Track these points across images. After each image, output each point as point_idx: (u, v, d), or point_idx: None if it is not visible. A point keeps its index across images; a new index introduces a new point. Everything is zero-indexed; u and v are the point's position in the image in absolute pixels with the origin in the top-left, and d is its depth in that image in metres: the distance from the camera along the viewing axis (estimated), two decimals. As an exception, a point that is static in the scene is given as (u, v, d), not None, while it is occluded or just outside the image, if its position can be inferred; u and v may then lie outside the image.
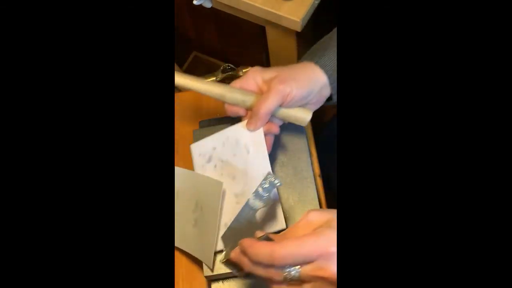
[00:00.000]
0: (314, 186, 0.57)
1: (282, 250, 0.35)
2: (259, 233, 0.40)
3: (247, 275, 0.41)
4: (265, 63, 1.14)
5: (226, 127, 0.61)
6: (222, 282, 0.53)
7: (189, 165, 0.62)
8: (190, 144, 0.58)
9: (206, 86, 0.54)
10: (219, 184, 0.51)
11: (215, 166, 0.55)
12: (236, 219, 0.46)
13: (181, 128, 0.66)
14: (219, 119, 0.64)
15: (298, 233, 0.37)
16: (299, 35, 0.78)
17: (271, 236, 0.39)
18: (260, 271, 0.37)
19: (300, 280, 0.36)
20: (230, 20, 0.84)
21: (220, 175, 0.54)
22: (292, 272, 0.35)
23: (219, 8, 0.80)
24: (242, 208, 0.46)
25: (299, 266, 0.35)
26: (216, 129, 0.62)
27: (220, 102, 0.53)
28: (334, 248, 0.34)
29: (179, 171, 0.57)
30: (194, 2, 0.77)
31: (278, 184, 0.46)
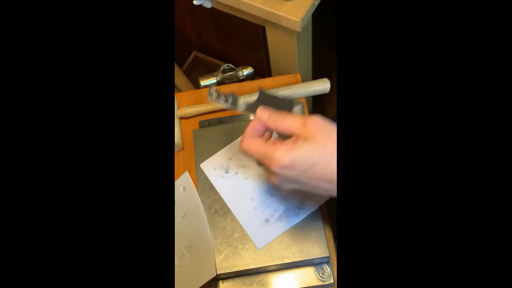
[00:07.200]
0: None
1: (243, 143, 0.44)
2: None
3: None
4: (265, 63, 1.14)
5: (226, 127, 0.61)
6: (222, 282, 0.53)
7: (188, 165, 0.62)
8: (199, 164, 0.59)
9: None
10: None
11: (236, 173, 0.58)
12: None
13: (181, 128, 0.66)
14: (219, 119, 0.64)
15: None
16: (299, 35, 0.78)
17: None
18: None
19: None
20: (230, 20, 0.84)
21: (245, 179, 0.57)
22: None
23: (219, 8, 0.80)
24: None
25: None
26: (216, 129, 0.62)
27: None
28: (275, 169, 0.41)
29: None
30: (194, 2, 0.76)
31: None
